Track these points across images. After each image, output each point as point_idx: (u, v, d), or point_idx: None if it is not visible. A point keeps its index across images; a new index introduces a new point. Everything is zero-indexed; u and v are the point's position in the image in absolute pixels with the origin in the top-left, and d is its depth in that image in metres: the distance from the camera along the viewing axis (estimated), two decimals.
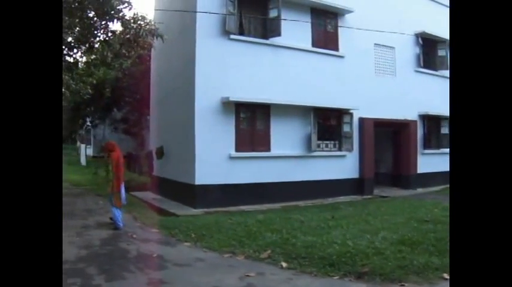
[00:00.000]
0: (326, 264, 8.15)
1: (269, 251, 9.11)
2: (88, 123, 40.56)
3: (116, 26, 15.78)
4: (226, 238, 10.42)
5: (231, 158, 16.77)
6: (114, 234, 11.76)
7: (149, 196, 20.58)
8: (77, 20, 14.50)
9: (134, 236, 11.45)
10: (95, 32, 15.94)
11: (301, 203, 17.07)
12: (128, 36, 15.19)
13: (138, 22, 15.23)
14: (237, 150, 16.91)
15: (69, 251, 9.68)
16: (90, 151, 48.53)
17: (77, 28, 14.93)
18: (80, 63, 20.56)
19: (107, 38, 15.74)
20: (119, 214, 12.69)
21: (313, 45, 18.99)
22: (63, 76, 17.55)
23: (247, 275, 7.74)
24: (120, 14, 15.06)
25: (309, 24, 18.79)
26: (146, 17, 15.75)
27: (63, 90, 18.71)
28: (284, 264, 8.37)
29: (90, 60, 21.01)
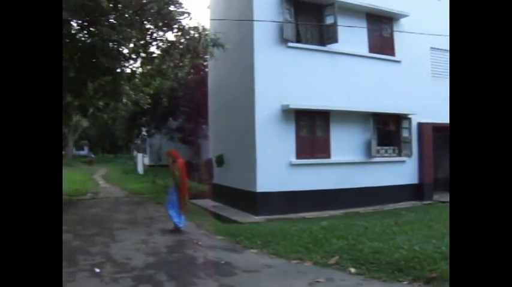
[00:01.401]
0: (394, 269, 8.08)
1: (337, 257, 9.08)
2: (144, 132, 41.13)
3: (171, 36, 16.12)
4: (292, 245, 10.42)
5: (292, 165, 16.84)
6: (180, 241, 11.88)
7: (209, 203, 20.85)
8: (133, 32, 14.76)
9: (200, 243, 11.53)
10: (154, 42, 16.26)
11: (361, 209, 16.97)
12: (188, 46, 15.42)
13: (199, 32, 15.49)
14: (297, 157, 16.98)
15: (137, 257, 9.90)
16: (146, 160, 49.08)
17: (134, 39, 15.20)
18: (135, 73, 20.97)
19: (166, 48, 16.01)
20: (180, 218, 13.25)
21: (370, 50, 18.91)
22: (124, 87, 17.93)
23: (317, 281, 7.72)
24: (180, 25, 15.35)
25: (365, 30, 18.72)
26: (205, 27, 16.02)
27: (124, 100, 19.14)
28: (352, 270, 8.34)
29: (146, 70, 21.41)
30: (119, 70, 17.81)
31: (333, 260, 8.98)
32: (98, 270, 8.79)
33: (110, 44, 15.83)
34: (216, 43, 15.23)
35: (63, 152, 58.67)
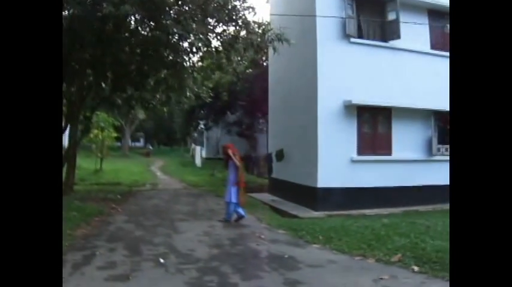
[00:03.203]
0: None
1: (400, 255, 9.04)
2: (202, 125, 41.51)
3: (233, 30, 16.28)
4: (355, 241, 10.43)
5: (353, 161, 16.85)
6: (242, 234, 12.08)
7: (267, 197, 21.02)
8: (194, 26, 14.93)
9: (262, 236, 11.66)
10: (217, 36, 16.46)
11: (421, 207, 16.76)
12: (252, 41, 15.55)
13: (263, 27, 15.63)
14: (359, 153, 16.99)
15: (201, 249, 10.10)
16: (203, 153, 49.47)
17: (196, 33, 15.40)
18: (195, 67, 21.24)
19: (230, 42, 16.18)
20: (240, 209, 13.84)
21: (432, 47, 18.60)
22: (187, 80, 18.21)
23: (381, 278, 7.72)
24: (244, 20, 15.50)
25: (427, 26, 18.51)
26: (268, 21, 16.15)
27: (188, 94, 19.43)
28: (415, 268, 8.30)
29: (206, 64, 21.70)
30: (183, 63, 18.13)
31: (396, 258, 8.96)
32: (162, 260, 9.00)
33: (175, 37, 16.15)
34: (280, 38, 15.32)
35: (119, 144, 59.64)
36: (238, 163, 13.90)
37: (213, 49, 17.13)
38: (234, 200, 13.71)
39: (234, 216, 13.85)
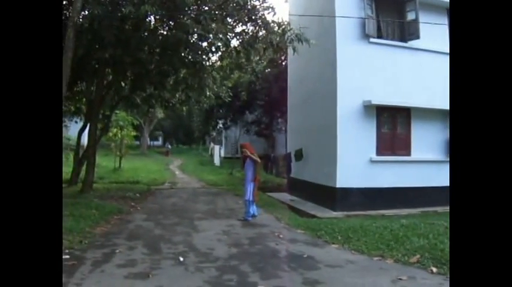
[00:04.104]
0: None
1: (418, 256, 9.01)
2: (220, 125, 41.60)
3: (252, 30, 16.30)
4: (373, 241, 10.40)
5: (372, 161, 16.82)
6: (261, 233, 12.06)
7: (286, 197, 21.03)
8: (214, 25, 14.97)
9: (281, 236, 11.69)
10: (236, 36, 16.50)
11: (439, 208, 16.56)
12: (271, 40, 15.55)
13: (283, 27, 15.63)
14: (378, 154, 16.95)
15: (221, 248, 10.14)
16: (222, 152, 49.53)
17: (215, 32, 15.43)
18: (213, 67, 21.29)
19: (250, 42, 16.19)
20: (255, 207, 14.06)
21: None
22: (207, 80, 18.28)
23: (400, 279, 7.71)
24: (264, 20, 15.52)
25: (446, 26, 18.39)
26: (289, 21, 16.13)
27: (208, 94, 19.52)
28: (434, 269, 8.26)
29: (225, 64, 21.84)
30: (203, 63, 18.21)
31: (414, 259, 8.93)
32: (182, 259, 9.05)
33: (194, 37, 16.22)
34: (300, 38, 15.31)
35: (138, 142, 59.97)
36: (258, 159, 13.99)
37: (233, 49, 17.18)
38: (251, 197, 13.88)
39: (257, 212, 14.06)
